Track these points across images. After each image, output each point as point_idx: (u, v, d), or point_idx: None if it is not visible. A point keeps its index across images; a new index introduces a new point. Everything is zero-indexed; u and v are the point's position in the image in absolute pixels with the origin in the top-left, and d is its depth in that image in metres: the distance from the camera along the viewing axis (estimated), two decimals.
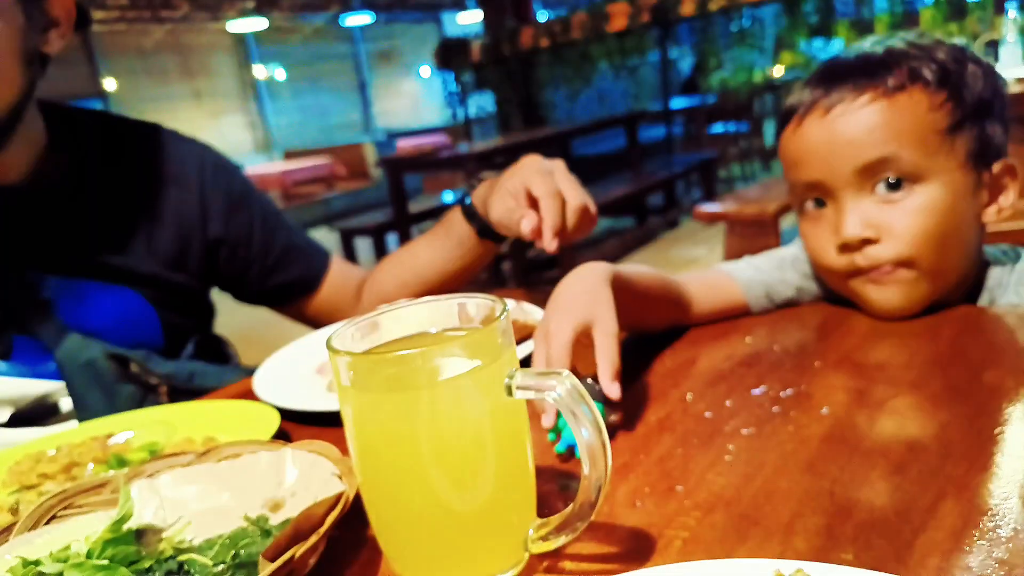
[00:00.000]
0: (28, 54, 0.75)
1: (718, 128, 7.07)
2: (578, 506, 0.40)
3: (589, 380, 0.58)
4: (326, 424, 0.69)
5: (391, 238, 4.79)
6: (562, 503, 0.48)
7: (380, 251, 4.65)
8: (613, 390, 0.57)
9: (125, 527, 0.43)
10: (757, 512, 0.46)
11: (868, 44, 0.73)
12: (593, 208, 0.80)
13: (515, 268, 4.31)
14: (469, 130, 7.32)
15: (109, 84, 9.77)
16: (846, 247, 0.71)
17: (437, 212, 6.05)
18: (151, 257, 0.89)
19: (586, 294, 0.62)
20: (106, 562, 0.39)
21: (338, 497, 0.44)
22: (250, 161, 10.16)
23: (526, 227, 0.77)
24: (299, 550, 0.39)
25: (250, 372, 0.95)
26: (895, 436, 0.53)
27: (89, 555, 0.40)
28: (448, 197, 6.13)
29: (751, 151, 7.20)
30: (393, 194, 4.47)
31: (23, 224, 0.82)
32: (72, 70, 9.54)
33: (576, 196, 0.79)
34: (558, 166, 0.83)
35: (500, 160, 6.00)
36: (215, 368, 0.91)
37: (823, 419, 0.56)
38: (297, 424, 0.70)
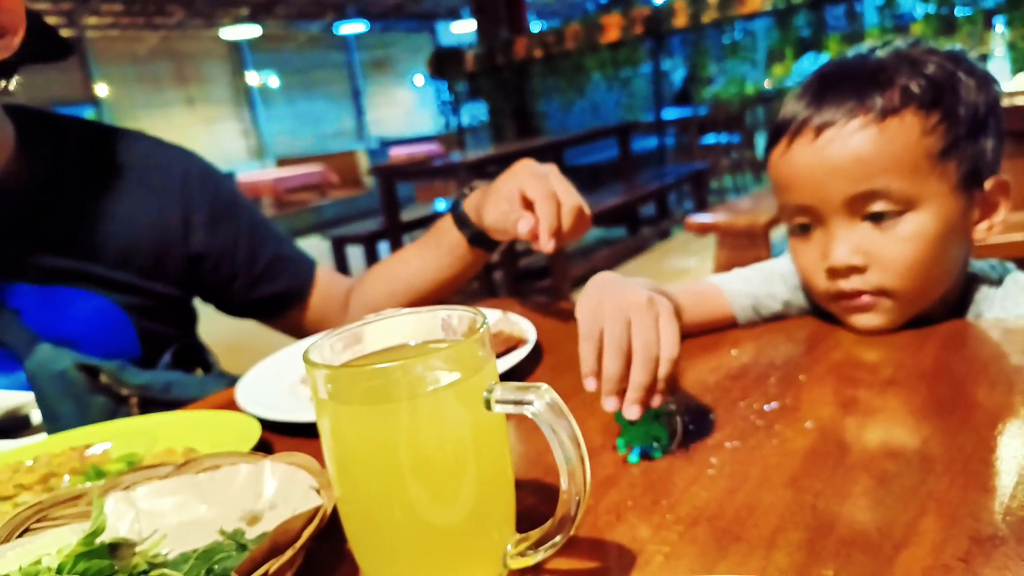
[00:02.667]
0: None
1: (710, 139, 7.11)
2: (557, 521, 0.39)
3: (672, 406, 0.57)
4: (309, 435, 0.68)
5: (383, 246, 4.78)
6: (545, 518, 0.47)
7: (372, 259, 4.64)
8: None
9: (98, 540, 0.42)
10: (739, 527, 0.45)
11: (861, 52, 0.72)
12: (587, 210, 0.82)
13: (507, 277, 4.31)
14: (462, 139, 7.33)
15: (101, 90, 9.74)
16: (833, 272, 0.71)
17: (429, 221, 6.05)
18: (126, 265, 0.87)
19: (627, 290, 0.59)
20: None
21: (315, 511, 0.44)
22: (243, 168, 10.14)
23: (523, 228, 0.78)
24: (273, 565, 0.38)
25: (232, 381, 0.94)
26: (878, 450, 0.53)
27: (60, 570, 0.40)
28: (440, 206, 6.14)
29: (742, 163, 7.25)
30: (385, 202, 4.47)
31: None
32: (65, 75, 9.51)
33: (571, 198, 0.80)
34: (552, 170, 0.84)
35: (493, 169, 6.02)
36: (194, 379, 0.90)
37: (807, 433, 0.56)
38: (279, 435, 0.69)
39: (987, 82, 0.69)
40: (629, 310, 0.56)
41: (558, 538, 0.40)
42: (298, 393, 0.78)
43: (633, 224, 5.75)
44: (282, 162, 10.68)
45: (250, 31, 10.24)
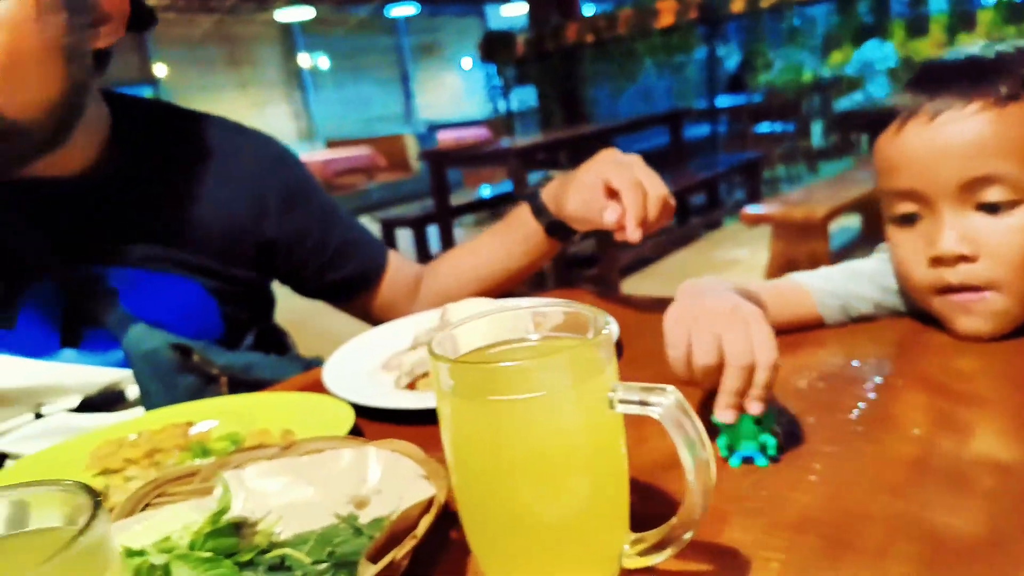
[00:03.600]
0: (71, 50, 0.72)
1: (764, 128, 6.93)
2: (680, 523, 0.39)
3: (775, 413, 0.56)
4: (396, 421, 0.70)
5: (431, 230, 4.81)
6: (645, 517, 0.47)
7: (421, 243, 4.68)
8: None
9: (224, 519, 0.43)
10: (849, 535, 0.45)
11: (975, 48, 0.70)
12: (672, 200, 0.82)
13: (555, 265, 4.29)
14: (510, 124, 7.31)
15: (159, 71, 9.99)
16: (938, 261, 0.68)
17: (477, 206, 6.07)
18: (204, 250, 0.88)
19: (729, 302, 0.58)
20: (210, 554, 0.40)
21: (431, 500, 0.44)
22: (294, 151, 10.32)
23: (610, 218, 0.78)
24: (400, 552, 0.39)
25: (307, 363, 0.96)
26: (985, 462, 0.51)
27: (192, 546, 0.41)
28: (486, 192, 6.15)
29: (797, 152, 7.06)
30: (435, 187, 4.49)
31: (87, 216, 0.82)
32: (123, 57, 9.79)
33: (656, 187, 0.80)
34: (635, 159, 0.84)
35: (543, 156, 6.00)
36: (273, 359, 0.92)
37: (909, 440, 0.55)
38: (366, 420, 0.70)
39: None
40: (716, 319, 0.55)
41: (679, 542, 0.39)
42: (379, 379, 0.80)
43: (683, 213, 5.66)
44: (331, 144, 10.83)
45: (303, 13, 10.36)
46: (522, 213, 0.98)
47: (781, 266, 3.78)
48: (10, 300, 0.78)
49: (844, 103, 8.09)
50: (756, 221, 3.94)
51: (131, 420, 0.71)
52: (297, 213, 0.96)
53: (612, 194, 0.82)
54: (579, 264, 4.55)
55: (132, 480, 0.58)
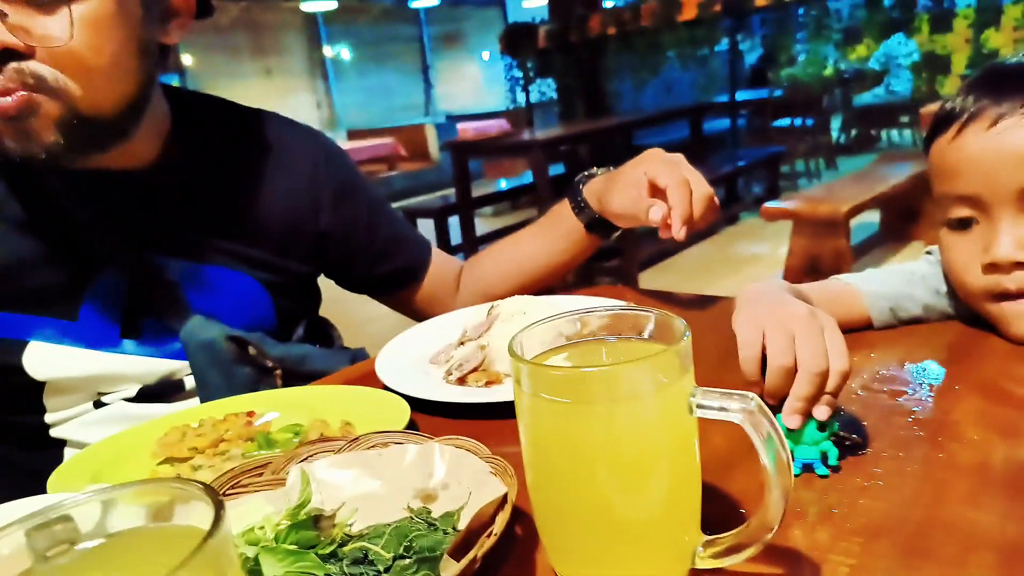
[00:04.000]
0: (146, 45, 0.75)
1: (783, 122, 6.86)
2: (758, 526, 0.40)
3: (839, 424, 0.56)
4: (449, 415, 0.71)
5: (452, 220, 4.82)
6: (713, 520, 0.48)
7: (442, 233, 4.69)
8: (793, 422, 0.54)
9: (304, 513, 0.44)
10: (924, 543, 0.45)
11: None
12: (716, 199, 0.83)
13: None
14: (531, 116, 7.29)
15: (186, 59, 10.05)
16: (994, 267, 0.68)
17: (498, 197, 6.07)
18: (262, 243, 0.90)
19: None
20: (295, 547, 0.41)
21: (504, 497, 0.45)
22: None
23: (656, 215, 0.79)
24: (480, 550, 0.40)
25: (353, 355, 0.98)
26: None
27: (276, 539, 0.42)
28: (502, 184, 6.15)
29: (817, 147, 6.99)
30: (457, 178, 4.50)
31: (148, 209, 0.84)
32: None
33: (701, 186, 0.81)
34: (680, 158, 0.85)
35: (565, 148, 5.98)
36: (324, 352, 0.94)
37: (976, 448, 0.55)
38: (419, 414, 0.71)
39: None
40: (792, 322, 0.55)
41: (756, 544, 0.40)
42: (429, 372, 0.81)
43: None
44: (352, 134, 10.86)
45: (327, 4, 10.37)
46: (563, 209, 0.99)
47: (802, 262, 3.76)
48: (75, 293, 0.80)
49: (865, 98, 8.01)
50: (777, 216, 3.91)
51: (192, 409, 0.72)
52: (349, 207, 0.98)
53: (656, 192, 0.82)
54: (599, 257, 4.54)
55: (199, 469, 0.59)
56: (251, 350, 0.83)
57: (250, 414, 0.67)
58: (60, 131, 0.69)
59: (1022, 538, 0.44)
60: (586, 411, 0.40)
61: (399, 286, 1.05)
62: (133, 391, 0.82)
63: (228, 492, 0.51)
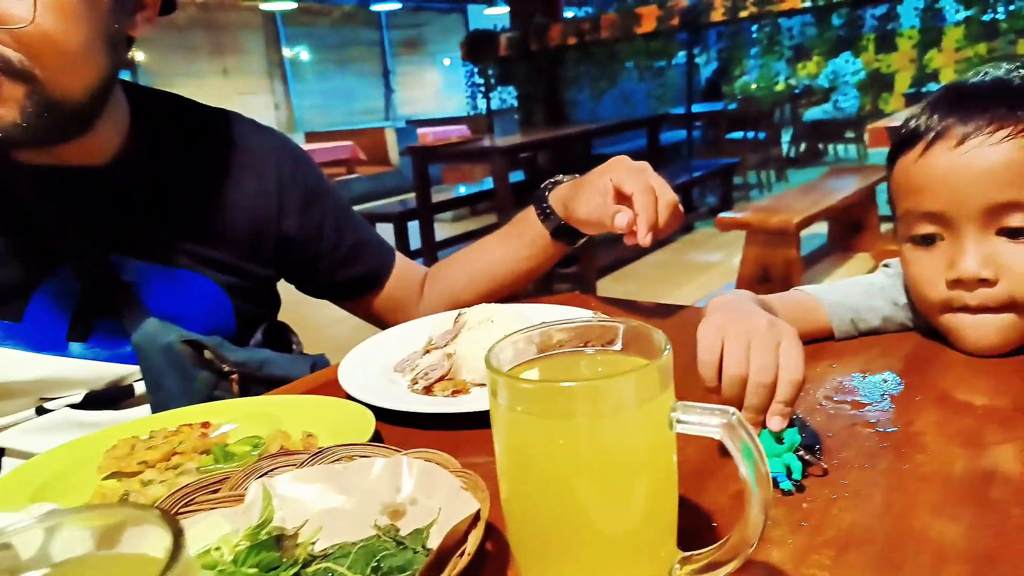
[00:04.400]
0: (113, 37, 0.74)
1: (737, 135, 7.05)
2: (734, 544, 0.39)
3: (801, 436, 0.56)
4: (414, 425, 0.69)
5: (412, 226, 4.78)
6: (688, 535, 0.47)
7: (402, 239, 4.64)
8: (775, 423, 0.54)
9: (264, 532, 0.42)
10: (896, 555, 0.45)
11: (1000, 72, 0.71)
12: (680, 207, 0.84)
13: None
14: (491, 123, 7.30)
15: (139, 55, 9.76)
16: (958, 283, 0.70)
17: (459, 203, 6.04)
18: (225, 245, 0.87)
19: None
20: (255, 570, 0.39)
21: (477, 514, 0.44)
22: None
23: (620, 222, 0.80)
24: (454, 572, 0.38)
25: (313, 361, 0.95)
26: (1022, 484, 0.52)
27: (235, 561, 0.40)
28: (461, 190, 6.14)
29: (768, 160, 7.19)
30: (418, 183, 4.46)
31: (108, 206, 0.81)
32: None
33: (667, 193, 0.82)
34: (645, 166, 0.86)
35: (525, 155, 5.99)
36: (282, 357, 0.91)
37: (938, 459, 0.56)
38: (384, 423, 0.69)
39: None
40: (751, 332, 0.56)
41: (743, 555, 0.39)
42: (394, 380, 0.79)
43: None
44: (311, 136, 10.69)
45: (286, 4, 10.21)
46: (528, 215, 0.99)
47: (754, 271, 3.85)
48: (23, 292, 0.76)
49: (814, 113, 8.31)
50: (731, 227, 4.00)
51: (143, 419, 0.69)
52: (315, 212, 0.96)
53: (622, 198, 0.83)
54: (557, 263, 4.55)
55: (150, 485, 0.56)
56: (207, 354, 0.80)
57: (205, 425, 0.64)
58: (23, 114, 0.67)
59: (991, 549, 0.45)
60: (566, 426, 0.38)
61: (361, 292, 1.03)
62: (79, 397, 0.78)
63: (182, 510, 0.48)
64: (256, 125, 0.97)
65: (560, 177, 0.99)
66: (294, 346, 0.99)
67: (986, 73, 0.72)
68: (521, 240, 1.00)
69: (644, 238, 0.79)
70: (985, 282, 0.68)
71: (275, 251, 0.93)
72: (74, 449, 0.63)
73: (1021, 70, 0.70)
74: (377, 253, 1.03)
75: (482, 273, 1.02)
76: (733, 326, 0.57)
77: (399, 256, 1.06)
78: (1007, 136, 0.66)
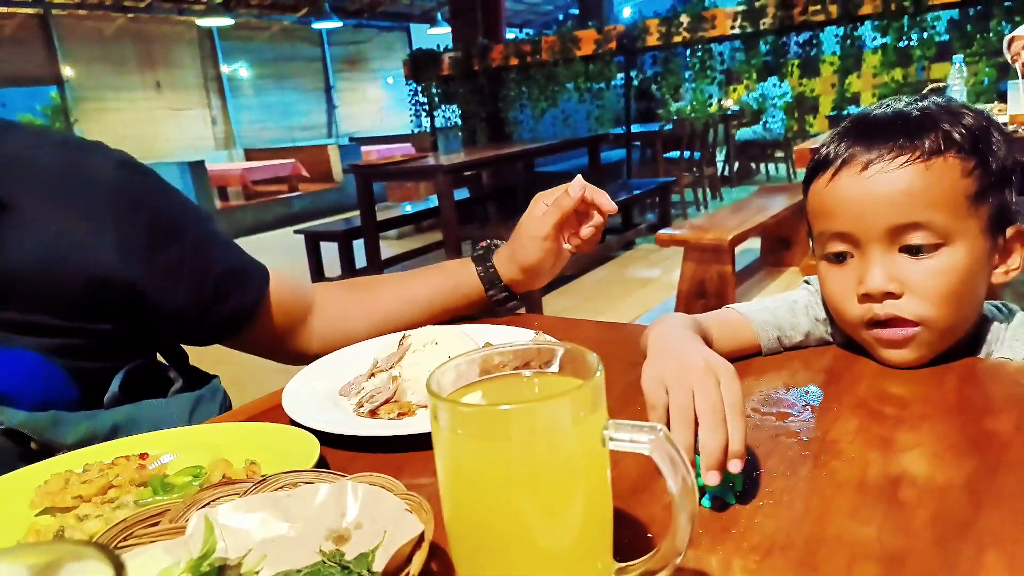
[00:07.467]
0: None
1: (674, 154, 7.28)
2: (670, 551, 0.42)
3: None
4: (360, 449, 0.69)
5: (357, 244, 4.74)
6: (623, 544, 0.49)
7: (347, 257, 4.59)
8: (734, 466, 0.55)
9: (207, 563, 0.42)
10: (813, 558, 0.48)
11: (901, 104, 0.77)
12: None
13: None
14: (435, 141, 7.33)
15: (67, 71, 9.39)
16: (867, 297, 0.75)
17: (403, 221, 6.03)
18: (46, 305, 0.73)
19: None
20: None
21: (421, 536, 0.45)
22: (211, 158, 9.90)
23: (574, 187, 0.93)
24: None
25: (199, 397, 0.85)
26: (928, 485, 0.56)
27: None
28: (407, 208, 6.14)
29: (704, 178, 7.46)
30: (362, 201, 4.43)
31: None
32: (29, 54, 9.15)
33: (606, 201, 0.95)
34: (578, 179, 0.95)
35: (469, 173, 6.02)
36: (151, 408, 0.80)
37: (854, 465, 0.60)
38: (330, 448, 0.69)
39: (1011, 142, 0.75)
40: (691, 376, 0.58)
41: (674, 563, 0.42)
42: (339, 404, 0.79)
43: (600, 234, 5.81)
44: (251, 153, 10.48)
45: (222, 20, 10.01)
46: (465, 274, 1.00)
47: (691, 286, 3.98)
48: None
49: (745, 133, 8.68)
50: (669, 243, 4.14)
51: (76, 452, 0.66)
52: (168, 252, 0.81)
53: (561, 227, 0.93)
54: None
55: (86, 519, 0.55)
56: (33, 445, 0.69)
57: (143, 456, 0.63)
58: None
59: (898, 549, 0.49)
60: (504, 447, 0.40)
61: (239, 326, 0.89)
62: None
63: (120, 544, 0.48)
64: (83, 147, 0.79)
65: (495, 242, 1.03)
66: (173, 381, 0.86)
67: (888, 105, 0.79)
68: (455, 294, 1.00)
69: (609, 204, 0.93)
70: (891, 295, 0.74)
71: (119, 303, 0.78)
72: (3, 485, 0.61)
73: (919, 103, 0.77)
74: (247, 281, 0.89)
75: (410, 304, 0.98)
76: (672, 373, 0.59)
77: (275, 277, 0.92)
78: (906, 162, 0.72)
